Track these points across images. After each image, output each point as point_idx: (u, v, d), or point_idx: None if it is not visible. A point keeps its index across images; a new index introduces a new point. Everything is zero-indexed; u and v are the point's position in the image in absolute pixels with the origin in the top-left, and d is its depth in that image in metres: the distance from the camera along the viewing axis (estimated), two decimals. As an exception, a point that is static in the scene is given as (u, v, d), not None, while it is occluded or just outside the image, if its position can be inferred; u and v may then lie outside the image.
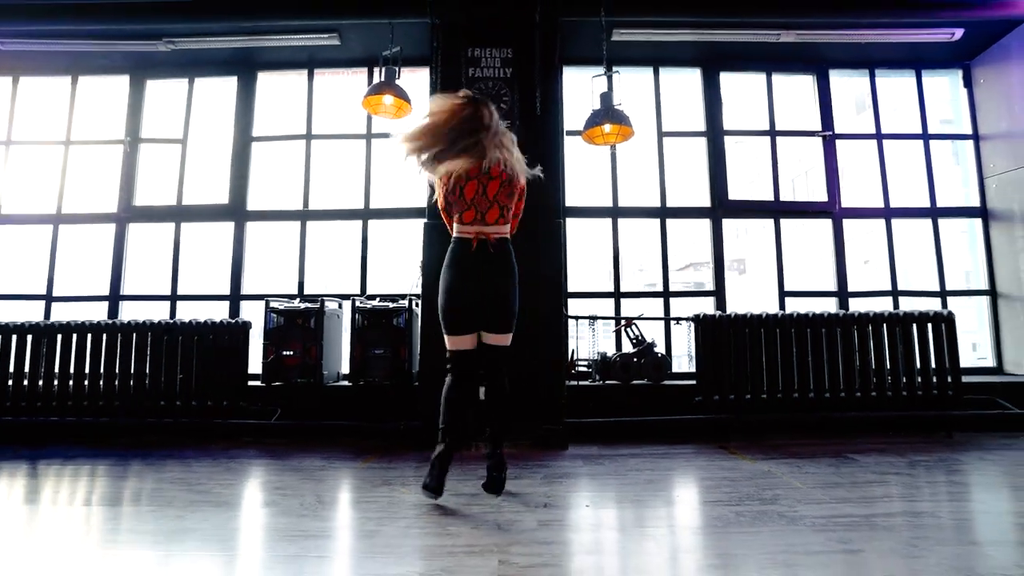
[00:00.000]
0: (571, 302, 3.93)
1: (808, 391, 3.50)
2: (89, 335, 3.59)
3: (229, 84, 4.42)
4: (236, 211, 4.24)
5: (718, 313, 3.60)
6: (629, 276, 4.34)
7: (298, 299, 3.81)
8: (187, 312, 4.14)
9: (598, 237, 4.57)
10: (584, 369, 3.86)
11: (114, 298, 4.18)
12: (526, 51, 3.58)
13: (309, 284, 4.21)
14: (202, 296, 4.23)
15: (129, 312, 4.22)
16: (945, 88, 4.64)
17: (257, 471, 2.78)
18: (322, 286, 4.27)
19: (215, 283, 4.23)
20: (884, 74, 4.50)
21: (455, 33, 3.62)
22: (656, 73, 4.37)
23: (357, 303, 3.61)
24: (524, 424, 3.26)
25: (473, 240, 2.28)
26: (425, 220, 3.46)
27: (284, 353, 3.57)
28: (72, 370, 3.57)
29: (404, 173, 2.35)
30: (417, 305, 3.67)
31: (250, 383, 3.64)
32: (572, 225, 4.07)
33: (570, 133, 4.05)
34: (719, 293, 4.13)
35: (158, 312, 4.13)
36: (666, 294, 4.15)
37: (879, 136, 4.40)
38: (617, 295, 4.11)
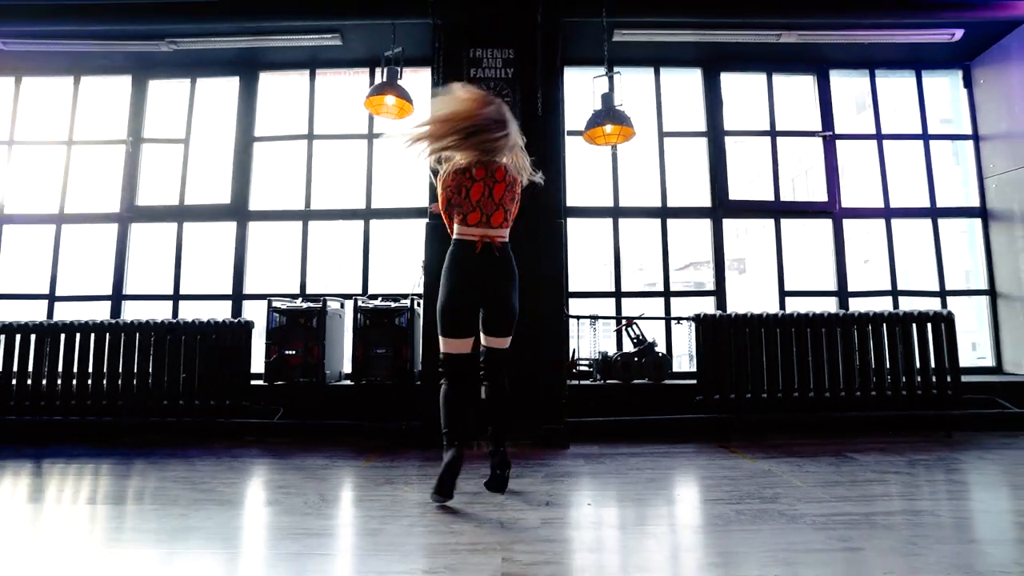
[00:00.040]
0: (572, 302, 3.94)
1: (808, 391, 3.52)
2: (92, 335, 3.61)
3: (231, 84, 4.43)
4: (238, 211, 4.25)
5: (719, 313, 3.62)
6: (629, 275, 4.37)
7: (300, 299, 3.83)
8: (189, 312, 4.16)
9: (598, 237, 4.59)
10: (585, 368, 3.87)
11: (117, 298, 4.20)
12: (528, 52, 3.59)
13: (311, 284, 4.23)
14: (204, 296, 4.25)
15: (132, 312, 4.24)
16: (945, 88, 4.65)
17: (260, 470, 2.79)
18: (324, 286, 4.28)
19: (217, 283, 4.24)
20: (884, 74, 4.51)
21: (457, 33, 3.63)
22: (657, 73, 4.38)
23: (359, 303, 3.63)
24: (525, 423, 3.28)
25: (478, 243, 2.26)
26: (427, 220, 3.47)
27: (286, 352, 3.58)
28: (75, 369, 3.58)
29: (408, 164, 2.32)
30: (419, 305, 3.68)
31: (252, 382, 3.65)
32: (572, 225, 4.09)
33: (571, 133, 4.07)
34: (719, 293, 4.15)
35: (160, 312, 4.14)
36: (667, 294, 4.16)
37: (879, 136, 4.41)
38: (618, 295, 4.12)
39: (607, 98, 3.51)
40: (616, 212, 4.19)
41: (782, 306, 4.17)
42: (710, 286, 4.30)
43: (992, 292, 4.21)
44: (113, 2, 3.86)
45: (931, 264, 4.29)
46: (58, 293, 4.23)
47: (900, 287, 4.24)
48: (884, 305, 4.14)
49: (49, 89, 4.58)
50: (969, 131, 4.44)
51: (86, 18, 3.91)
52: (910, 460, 2.85)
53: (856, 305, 4.17)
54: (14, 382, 3.59)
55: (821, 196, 4.35)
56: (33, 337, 3.63)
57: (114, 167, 4.37)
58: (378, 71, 4.23)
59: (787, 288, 4.19)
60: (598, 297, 4.22)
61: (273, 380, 3.57)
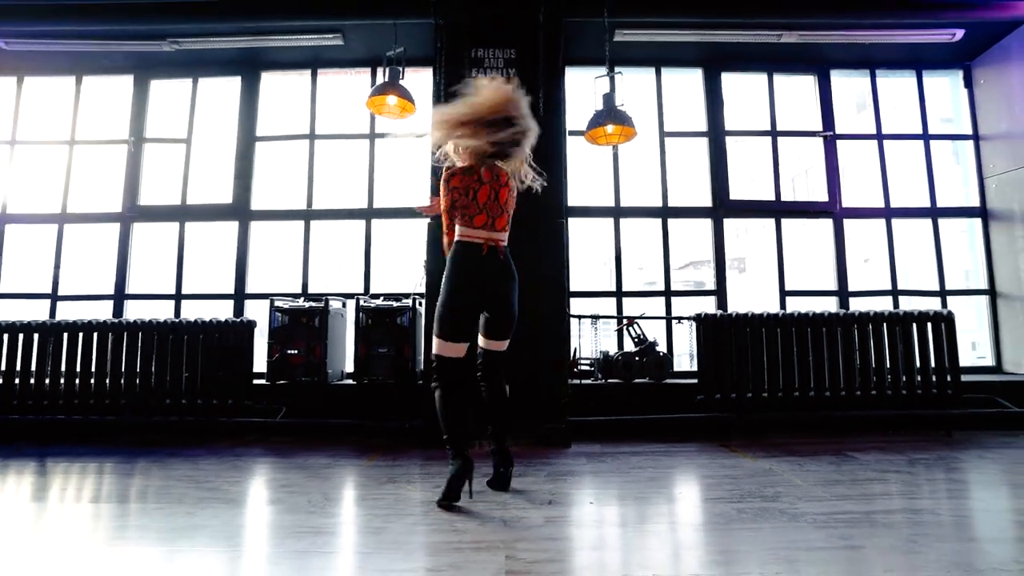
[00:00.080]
0: (573, 301, 3.95)
1: (809, 390, 3.53)
2: (95, 334, 3.62)
3: (233, 84, 4.44)
4: (240, 210, 4.26)
5: (719, 312, 3.63)
6: (629, 274, 4.39)
7: (302, 298, 3.84)
8: (191, 311, 4.17)
9: (599, 236, 4.59)
10: (586, 368, 3.88)
11: (119, 297, 4.21)
12: (530, 52, 3.60)
13: (313, 283, 4.24)
14: (207, 295, 4.26)
15: (134, 311, 4.25)
16: (946, 88, 4.66)
17: (263, 469, 2.81)
18: (326, 285, 4.30)
19: (219, 282, 4.26)
20: (885, 74, 4.52)
21: (459, 33, 3.63)
22: (658, 73, 4.39)
23: (361, 302, 3.64)
24: (527, 422, 3.29)
25: (484, 245, 2.25)
26: (429, 219, 3.48)
27: (289, 352, 3.59)
28: (78, 369, 3.60)
29: (429, 151, 2.32)
30: (421, 304, 3.69)
31: (255, 382, 3.67)
32: (573, 224, 4.10)
33: (572, 133, 4.07)
34: (720, 292, 4.16)
35: (163, 311, 4.15)
36: (667, 293, 4.17)
37: (880, 136, 4.43)
38: (619, 294, 4.13)
39: (608, 98, 3.52)
40: (617, 212, 4.21)
41: (783, 306, 4.18)
42: (710, 285, 4.31)
43: (992, 292, 4.23)
44: (115, 2, 3.87)
45: (931, 264, 4.31)
46: (60, 293, 4.24)
47: (900, 287, 4.25)
48: (884, 305, 4.15)
49: (51, 89, 4.59)
50: (969, 131, 4.45)
51: (88, 18, 3.92)
52: (910, 459, 2.86)
53: (856, 305, 4.19)
54: (17, 381, 3.61)
55: (821, 195, 4.36)
56: (36, 336, 3.64)
57: (116, 167, 4.38)
58: (380, 71, 4.24)
59: (788, 288, 4.20)
60: (599, 297, 4.23)
61: (275, 379, 3.58)
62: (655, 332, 3.98)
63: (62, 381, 3.60)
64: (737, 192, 4.30)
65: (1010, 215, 4.12)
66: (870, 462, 2.79)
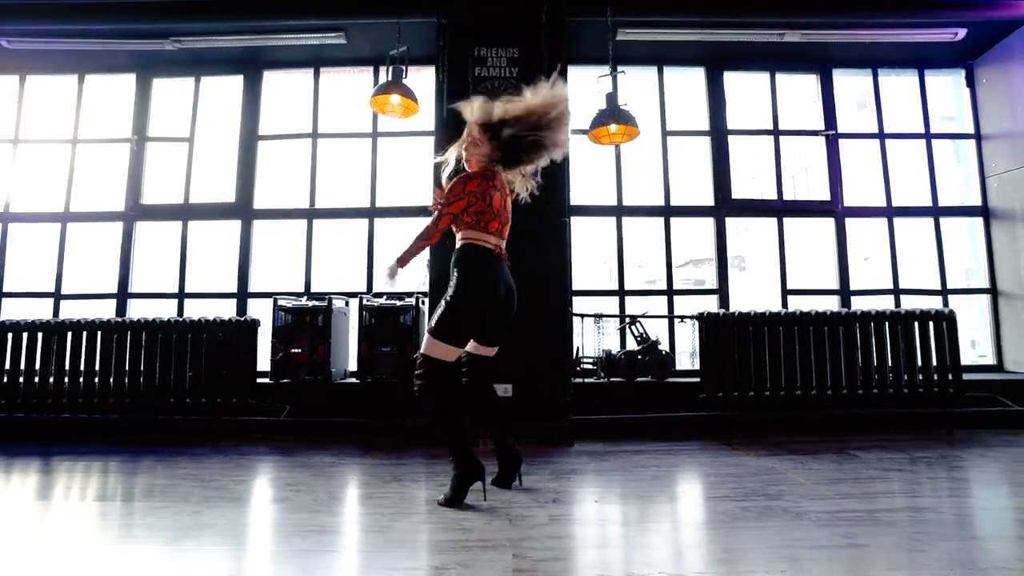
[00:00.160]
0: (575, 300, 3.96)
1: (811, 388, 3.54)
2: (99, 333, 3.62)
3: (235, 83, 4.44)
4: (243, 209, 4.27)
5: (722, 311, 3.64)
6: (629, 272, 4.40)
7: (305, 297, 3.85)
8: (195, 309, 4.18)
9: (599, 235, 4.60)
10: (589, 366, 3.89)
11: (122, 295, 4.21)
12: (532, 51, 3.61)
13: (316, 282, 4.24)
14: (210, 294, 4.27)
15: (137, 310, 4.25)
16: (948, 87, 4.66)
17: (268, 467, 2.82)
18: (329, 284, 4.30)
19: (222, 281, 4.26)
20: (887, 73, 4.52)
21: (462, 33, 3.63)
22: (660, 72, 4.39)
23: (364, 301, 3.65)
24: (530, 421, 3.30)
25: (495, 250, 2.26)
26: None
27: (292, 351, 3.60)
28: (82, 367, 3.60)
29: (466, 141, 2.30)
30: (424, 303, 3.70)
31: (258, 380, 3.67)
32: (574, 223, 4.09)
33: (575, 132, 4.07)
34: (722, 291, 4.17)
35: (166, 309, 4.16)
36: (670, 292, 4.18)
37: (882, 135, 4.43)
38: (621, 293, 4.14)
39: (611, 97, 3.52)
40: (620, 211, 4.21)
41: (784, 304, 4.19)
42: (710, 283, 4.32)
43: (993, 291, 4.24)
44: (117, 1, 3.87)
45: (933, 262, 4.32)
46: (64, 291, 4.24)
47: (902, 285, 4.26)
48: (886, 303, 4.16)
49: (53, 87, 4.58)
50: (971, 130, 4.46)
51: (90, 17, 3.92)
52: (912, 457, 2.88)
53: (858, 303, 4.20)
54: (21, 380, 3.61)
55: (821, 194, 4.37)
56: (40, 335, 3.65)
57: (119, 165, 4.38)
58: (382, 70, 4.23)
59: (789, 287, 4.21)
60: (601, 295, 4.23)
61: (279, 378, 3.60)
62: (657, 331, 3.99)
63: (66, 380, 3.61)
64: (737, 190, 4.31)
65: (1011, 214, 4.13)
66: (872, 460, 2.81)
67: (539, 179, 2.43)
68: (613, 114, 3.46)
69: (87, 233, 4.43)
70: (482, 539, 1.76)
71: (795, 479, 2.47)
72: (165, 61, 4.37)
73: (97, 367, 3.60)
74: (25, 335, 3.65)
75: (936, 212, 4.36)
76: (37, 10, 3.90)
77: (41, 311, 4.16)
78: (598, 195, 4.30)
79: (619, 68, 3.65)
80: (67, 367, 3.61)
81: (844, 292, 4.21)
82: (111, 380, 3.58)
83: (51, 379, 3.60)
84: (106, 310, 4.17)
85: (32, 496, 2.35)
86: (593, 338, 3.94)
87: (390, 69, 3.60)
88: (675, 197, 4.28)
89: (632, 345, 3.91)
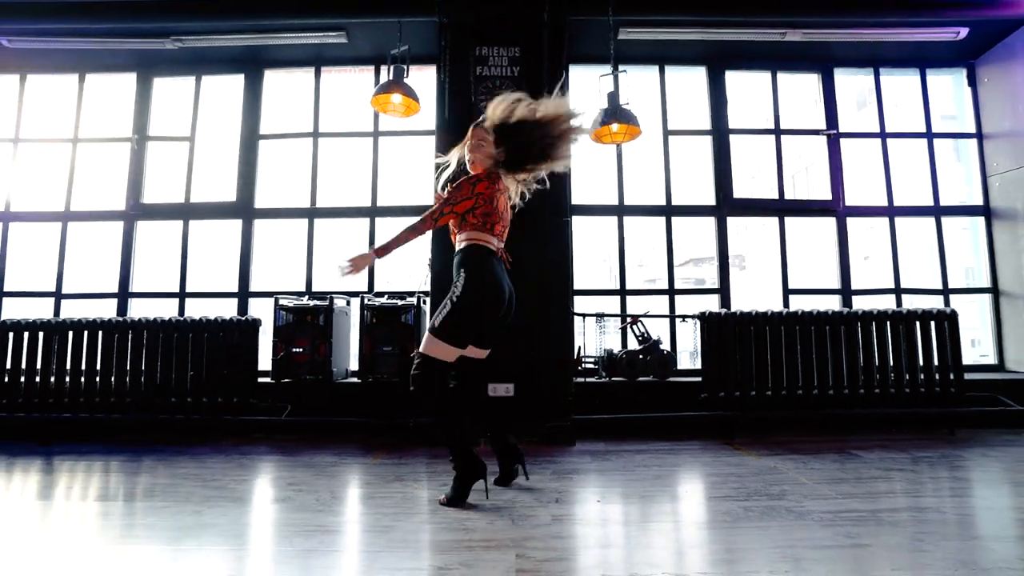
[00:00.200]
0: (577, 299, 3.96)
1: (812, 388, 3.54)
2: (100, 332, 3.62)
3: (236, 82, 4.43)
4: (244, 208, 4.27)
5: (723, 311, 3.64)
6: (629, 272, 4.40)
7: (306, 296, 3.85)
8: (196, 309, 4.18)
9: (599, 234, 4.60)
10: (590, 366, 3.89)
11: (123, 295, 4.21)
12: (534, 50, 3.60)
13: (317, 281, 4.24)
14: (211, 293, 4.26)
15: (138, 309, 4.25)
16: (949, 86, 4.66)
17: (269, 467, 2.82)
18: (330, 284, 4.30)
19: (223, 280, 4.26)
20: (888, 72, 4.51)
21: (463, 32, 3.63)
22: (662, 71, 4.38)
23: (366, 300, 3.65)
24: (531, 420, 3.30)
25: (499, 253, 2.28)
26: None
27: (294, 350, 3.60)
28: (83, 367, 3.60)
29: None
30: (425, 303, 3.70)
31: (260, 380, 3.67)
32: (575, 222, 4.09)
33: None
34: (723, 291, 4.16)
35: (167, 308, 4.16)
36: (671, 291, 4.17)
37: (883, 135, 4.42)
38: (623, 292, 4.14)
39: (613, 97, 3.52)
40: (621, 210, 4.21)
41: (786, 304, 4.19)
42: (710, 282, 4.32)
43: (995, 290, 4.24)
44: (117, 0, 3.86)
45: (934, 262, 4.31)
46: (65, 291, 4.24)
47: (903, 284, 4.26)
48: (887, 303, 4.16)
49: (54, 87, 4.57)
50: (972, 129, 4.45)
51: (91, 15, 3.91)
52: (914, 457, 2.88)
53: (859, 303, 4.19)
54: (22, 379, 3.61)
55: (822, 193, 4.37)
56: (41, 335, 3.65)
57: (119, 165, 4.38)
58: (383, 69, 4.23)
59: (790, 286, 4.21)
60: (603, 295, 4.23)
61: (280, 377, 3.59)
62: (658, 330, 3.99)
63: (67, 379, 3.60)
64: (738, 190, 4.30)
65: (1013, 213, 4.13)
66: (874, 460, 2.81)
67: (535, 185, 2.42)
68: (615, 113, 3.46)
69: (88, 232, 4.43)
70: (485, 539, 1.76)
71: (797, 479, 2.47)
72: (166, 60, 4.36)
73: (98, 367, 3.60)
74: (26, 334, 3.65)
75: (937, 211, 4.36)
76: (37, 9, 3.90)
77: (42, 310, 4.16)
78: (600, 194, 4.30)
79: (621, 67, 3.65)
80: (68, 367, 3.61)
81: (845, 291, 4.21)
82: (112, 380, 3.58)
83: (52, 379, 3.60)
84: (107, 309, 4.17)
85: (33, 496, 2.35)
86: (594, 338, 3.94)
87: (391, 68, 3.59)
88: (676, 196, 4.27)
89: (633, 345, 3.91)
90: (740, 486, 2.37)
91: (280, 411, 3.60)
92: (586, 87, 4.10)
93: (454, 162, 2.44)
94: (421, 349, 2.19)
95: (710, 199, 4.29)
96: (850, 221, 4.30)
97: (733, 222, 4.25)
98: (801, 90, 4.76)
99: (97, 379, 3.59)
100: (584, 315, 3.86)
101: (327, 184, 4.34)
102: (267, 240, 4.49)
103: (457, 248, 2.28)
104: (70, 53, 4.27)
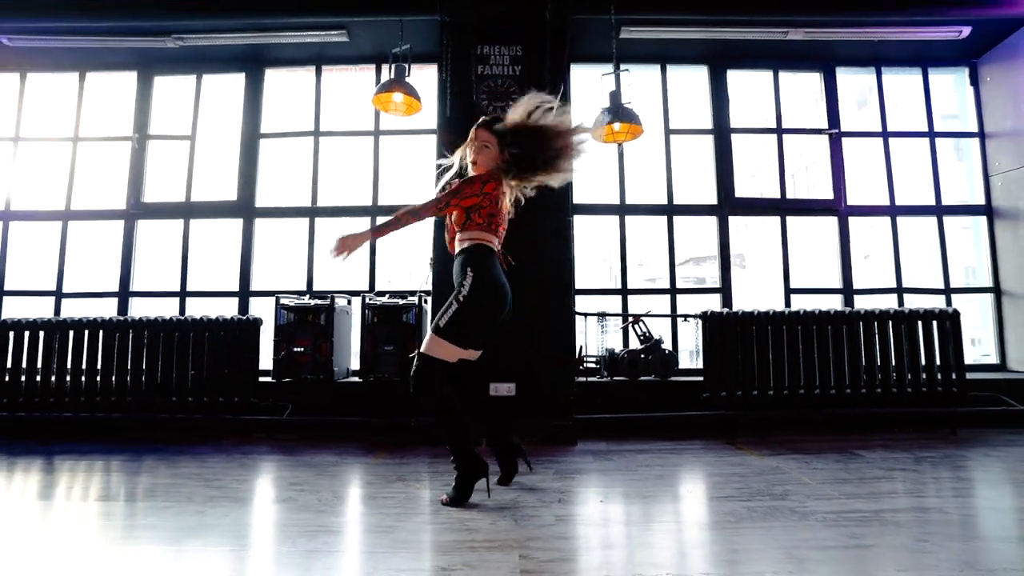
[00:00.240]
0: (578, 299, 3.95)
1: (814, 388, 3.54)
2: (101, 331, 3.62)
3: (237, 80, 4.42)
4: (245, 207, 4.26)
5: (725, 311, 3.63)
6: (630, 271, 4.42)
7: (307, 295, 3.84)
8: (196, 308, 4.17)
9: (599, 233, 4.60)
10: (592, 365, 3.89)
11: (124, 294, 4.20)
12: (536, 49, 3.59)
13: (318, 281, 4.23)
14: (212, 292, 4.26)
15: (138, 308, 4.24)
16: (951, 85, 4.65)
17: (271, 467, 2.82)
18: (331, 283, 4.29)
19: (224, 279, 4.25)
20: (890, 71, 4.50)
21: (465, 30, 3.62)
22: (663, 70, 4.37)
23: (367, 299, 3.64)
24: (533, 420, 3.30)
25: (499, 254, 2.27)
26: (435, 217, 3.47)
27: (295, 349, 3.59)
28: (84, 366, 3.60)
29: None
30: (426, 302, 3.69)
31: (261, 379, 3.67)
32: (576, 222, 4.08)
33: (578, 130, 4.05)
34: (725, 290, 4.16)
35: (167, 308, 4.15)
36: (672, 291, 4.17)
37: (885, 134, 4.42)
38: (624, 292, 4.13)
39: (615, 96, 3.51)
40: (623, 209, 4.20)
41: (787, 303, 4.19)
42: (711, 281, 4.31)
43: (997, 289, 4.23)
44: (118, -2, 3.85)
45: (935, 261, 4.31)
46: (65, 290, 4.23)
47: (904, 284, 4.25)
48: (889, 302, 4.16)
49: (54, 85, 4.56)
50: (975, 128, 4.44)
51: (91, 14, 3.90)
52: (916, 457, 2.87)
53: (861, 302, 4.19)
54: (23, 379, 3.61)
55: (822, 192, 4.36)
56: (41, 334, 3.64)
57: (120, 164, 4.37)
58: (385, 68, 4.21)
59: (792, 285, 4.20)
60: (604, 294, 4.23)
61: (281, 377, 3.59)
62: (660, 329, 3.99)
63: (68, 378, 3.60)
64: (738, 188, 4.29)
65: (1015, 213, 4.12)
66: (876, 460, 2.80)
67: (530, 193, 2.41)
68: (617, 113, 3.45)
69: (88, 231, 4.42)
70: (488, 539, 1.76)
71: (800, 479, 2.46)
72: (167, 59, 4.35)
73: (99, 366, 3.60)
74: (27, 334, 3.64)
75: (940, 211, 4.35)
76: (38, 7, 3.89)
77: (42, 310, 4.15)
78: (601, 194, 4.29)
79: (623, 66, 3.64)
80: (68, 366, 3.60)
81: (847, 291, 4.21)
82: (113, 379, 3.57)
83: (53, 378, 3.60)
84: (107, 309, 4.17)
85: (34, 496, 2.34)
86: (596, 337, 3.93)
87: (393, 67, 3.58)
88: (678, 195, 4.26)
89: (635, 344, 3.90)
90: (743, 486, 2.36)
91: (281, 410, 3.60)
92: (588, 86, 4.09)
93: (457, 163, 2.43)
94: (422, 349, 2.17)
95: (712, 198, 4.28)
96: (851, 220, 4.29)
97: (734, 221, 4.24)
98: (802, 89, 4.74)
99: (98, 378, 3.59)
100: (586, 314, 3.86)
101: (328, 183, 4.33)
102: (268, 239, 4.48)
103: (459, 248, 2.27)
104: (70, 51, 4.26)
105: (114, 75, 4.53)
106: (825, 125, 4.41)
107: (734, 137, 4.33)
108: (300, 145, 4.38)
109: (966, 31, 3.98)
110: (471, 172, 2.34)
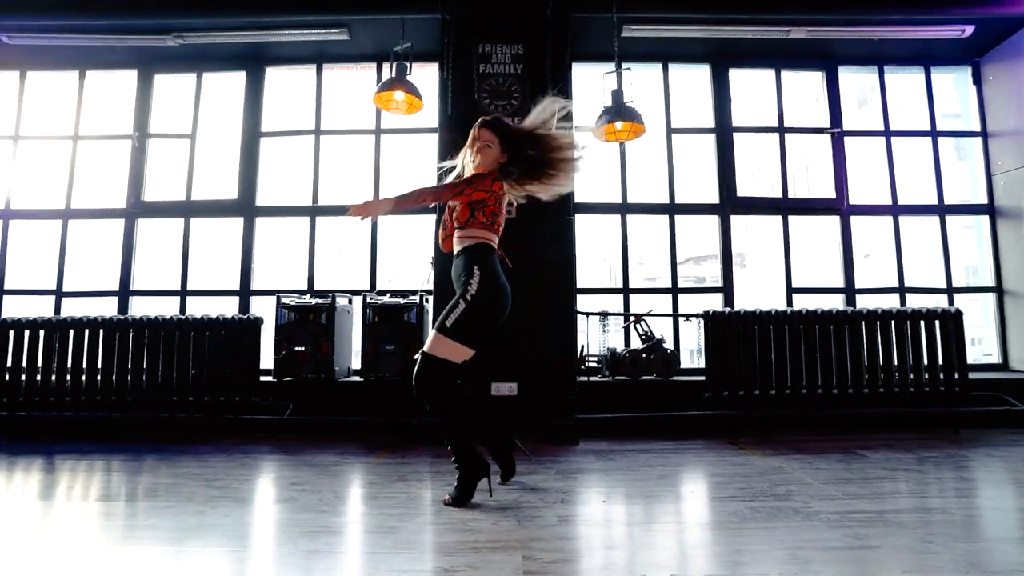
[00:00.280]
0: (579, 298, 3.94)
1: (816, 387, 3.53)
2: (101, 331, 3.61)
3: (237, 79, 4.41)
4: (245, 206, 4.25)
5: (727, 310, 3.62)
6: (630, 270, 4.45)
7: (308, 295, 3.83)
8: (197, 307, 4.16)
9: (599, 232, 4.59)
10: (594, 365, 3.88)
11: (124, 293, 4.19)
12: (538, 47, 3.58)
13: (319, 280, 4.22)
14: (212, 291, 4.25)
15: (139, 307, 4.24)
16: (952, 84, 4.63)
17: (272, 466, 2.81)
18: (332, 282, 4.28)
19: (225, 278, 4.24)
20: (893, 70, 4.49)
21: (466, 29, 3.61)
22: (665, 69, 4.36)
23: (368, 299, 3.63)
24: (535, 420, 3.29)
25: (498, 251, 2.28)
26: (436, 216, 3.46)
27: (296, 349, 3.58)
28: (84, 366, 3.59)
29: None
30: (428, 301, 3.68)
31: (262, 379, 3.66)
32: (578, 221, 4.07)
33: (579, 129, 4.04)
34: (727, 289, 4.15)
35: (168, 307, 4.14)
36: (674, 290, 4.16)
37: (887, 133, 4.41)
38: (626, 291, 4.12)
39: (617, 95, 3.50)
40: (624, 208, 4.19)
41: (789, 302, 4.18)
42: (712, 280, 4.31)
43: (999, 289, 4.22)
44: (118, -4, 3.84)
45: (937, 260, 4.30)
46: (65, 289, 4.23)
47: (906, 283, 4.24)
48: (891, 302, 4.15)
49: (54, 84, 4.55)
50: (977, 128, 4.43)
51: (91, 12, 3.90)
52: (919, 457, 2.86)
53: (863, 302, 4.18)
54: (23, 378, 3.60)
55: (823, 191, 4.34)
56: (41, 333, 3.63)
57: (120, 162, 4.36)
58: (386, 66, 4.20)
59: (793, 284, 4.19)
60: (606, 294, 4.22)
61: (282, 376, 3.58)
62: (662, 329, 3.98)
63: (68, 378, 3.59)
64: (740, 187, 4.28)
65: (1018, 212, 4.11)
66: (879, 460, 2.79)
67: (522, 200, 2.42)
68: (619, 111, 3.44)
69: (88, 230, 4.41)
70: (491, 540, 1.75)
71: (803, 479, 2.45)
72: (167, 57, 4.34)
73: (99, 365, 3.59)
74: (27, 333, 3.63)
75: (942, 210, 4.34)
76: (38, 5, 3.88)
77: (42, 309, 4.14)
78: (602, 193, 4.28)
79: (624, 65, 3.62)
80: (69, 365, 3.60)
81: (849, 290, 4.20)
82: (113, 378, 3.56)
83: (53, 377, 3.59)
84: (108, 308, 4.16)
85: (35, 495, 2.33)
86: (598, 336, 3.92)
87: (394, 65, 3.56)
88: (679, 194, 4.25)
89: (637, 343, 3.89)
90: (746, 486, 2.35)
91: (282, 410, 3.59)
92: (590, 85, 4.08)
93: (459, 164, 2.41)
94: (426, 349, 2.15)
95: (713, 198, 4.27)
96: (853, 219, 4.28)
97: (735, 220, 4.23)
98: (804, 88, 4.73)
99: (98, 378, 3.58)
100: (587, 314, 3.85)
101: (329, 182, 4.32)
102: (269, 238, 4.47)
103: (460, 246, 2.25)
104: (71, 50, 4.25)
105: (114, 73, 4.52)
106: (827, 124, 4.40)
107: (736, 136, 4.32)
108: (301, 144, 4.37)
109: (969, 30, 3.97)
110: (471, 172, 2.32)
